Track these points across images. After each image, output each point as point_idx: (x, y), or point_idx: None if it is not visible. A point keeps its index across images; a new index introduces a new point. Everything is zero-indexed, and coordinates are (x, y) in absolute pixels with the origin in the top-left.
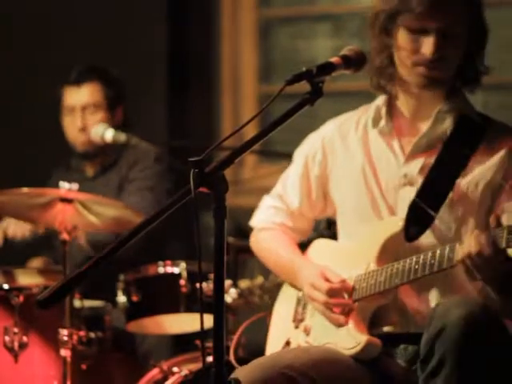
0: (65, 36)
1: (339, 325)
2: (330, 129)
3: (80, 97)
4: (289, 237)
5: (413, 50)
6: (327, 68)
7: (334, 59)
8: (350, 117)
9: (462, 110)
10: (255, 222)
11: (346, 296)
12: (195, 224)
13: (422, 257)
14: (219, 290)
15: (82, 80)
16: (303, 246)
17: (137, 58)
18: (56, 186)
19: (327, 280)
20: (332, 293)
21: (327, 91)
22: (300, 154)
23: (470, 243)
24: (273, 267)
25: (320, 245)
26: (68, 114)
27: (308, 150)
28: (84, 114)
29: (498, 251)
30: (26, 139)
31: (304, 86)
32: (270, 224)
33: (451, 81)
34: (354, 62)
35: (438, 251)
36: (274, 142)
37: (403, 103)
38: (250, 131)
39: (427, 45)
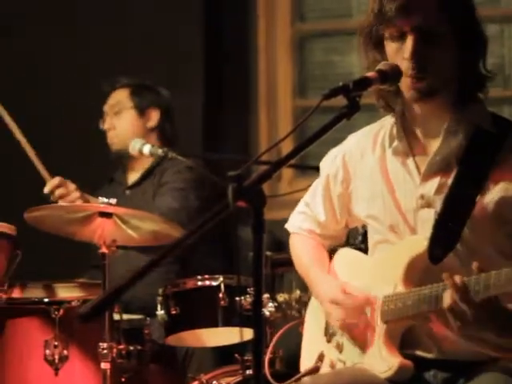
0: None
1: (363, 344)
2: (350, 144)
3: (109, 101)
4: (316, 244)
5: (399, 58)
6: (363, 83)
7: (370, 74)
8: (369, 131)
9: (473, 121)
10: (288, 226)
11: (369, 313)
12: (233, 238)
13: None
14: (257, 304)
15: (112, 88)
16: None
17: (173, 74)
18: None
19: (348, 294)
20: (353, 308)
21: (363, 104)
22: (323, 170)
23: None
24: (300, 273)
25: (346, 255)
26: (103, 122)
27: (329, 167)
28: (111, 116)
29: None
30: (70, 153)
31: (340, 100)
32: (298, 230)
33: (452, 91)
34: (390, 76)
35: None
36: (310, 156)
37: (413, 121)
38: (286, 144)
39: (406, 46)
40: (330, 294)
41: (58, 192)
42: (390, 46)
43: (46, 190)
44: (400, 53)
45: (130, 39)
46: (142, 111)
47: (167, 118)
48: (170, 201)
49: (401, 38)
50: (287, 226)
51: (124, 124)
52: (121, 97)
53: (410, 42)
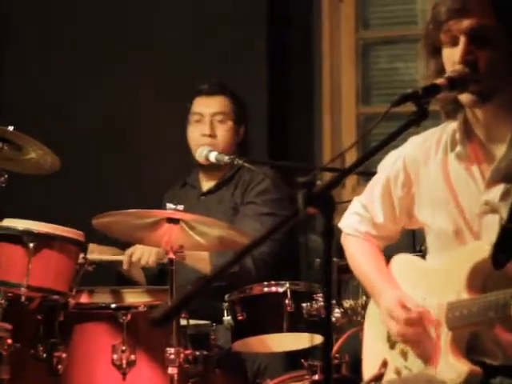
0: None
1: (428, 352)
2: (411, 147)
3: (210, 105)
4: (373, 246)
5: (452, 63)
6: (432, 90)
7: (439, 81)
8: (432, 135)
9: None
10: (342, 225)
11: (432, 329)
12: (303, 244)
13: None
14: (328, 309)
15: (213, 91)
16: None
17: (238, 80)
18: (169, 203)
19: (405, 308)
20: (410, 323)
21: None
22: (382, 172)
23: None
24: (356, 276)
25: (404, 261)
26: (195, 123)
27: (390, 169)
28: (212, 122)
29: None
30: (138, 160)
31: (401, 107)
32: (353, 231)
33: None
34: (459, 83)
35: None
36: (373, 162)
37: (476, 127)
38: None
39: (458, 49)
40: (387, 305)
41: (134, 259)
42: (445, 52)
43: (126, 266)
44: (452, 58)
45: (195, 46)
46: (238, 125)
47: (247, 135)
48: (258, 226)
49: (454, 42)
50: (341, 225)
51: (225, 135)
52: (224, 105)
53: (460, 45)
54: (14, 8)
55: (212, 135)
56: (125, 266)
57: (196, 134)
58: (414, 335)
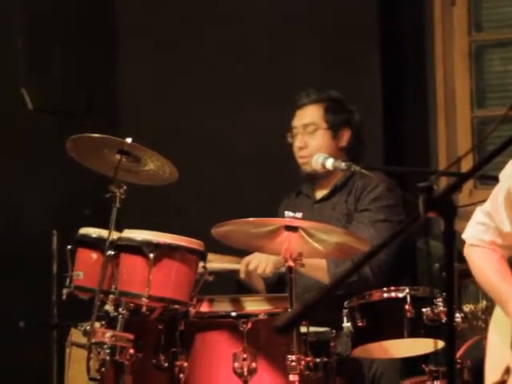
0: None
1: None
2: None
3: (302, 117)
4: (498, 255)
5: None
6: None
7: None
8: None
9: None
10: (465, 236)
11: None
12: (421, 249)
13: None
14: (450, 314)
15: (305, 102)
16: None
17: (352, 89)
18: (283, 213)
19: None
20: None
21: None
22: (505, 179)
23: None
24: (482, 286)
25: None
26: (292, 136)
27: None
28: (304, 134)
29: None
30: (254, 170)
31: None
32: (478, 241)
33: None
34: None
35: None
36: (489, 166)
37: None
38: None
39: None
40: None
41: (251, 268)
42: None
43: (242, 275)
44: None
45: (308, 59)
46: (335, 132)
47: (357, 139)
48: (373, 233)
49: None
50: (464, 236)
51: (317, 144)
52: (315, 115)
53: None
54: (129, 15)
55: (302, 147)
56: (242, 275)
57: (295, 149)
58: None
